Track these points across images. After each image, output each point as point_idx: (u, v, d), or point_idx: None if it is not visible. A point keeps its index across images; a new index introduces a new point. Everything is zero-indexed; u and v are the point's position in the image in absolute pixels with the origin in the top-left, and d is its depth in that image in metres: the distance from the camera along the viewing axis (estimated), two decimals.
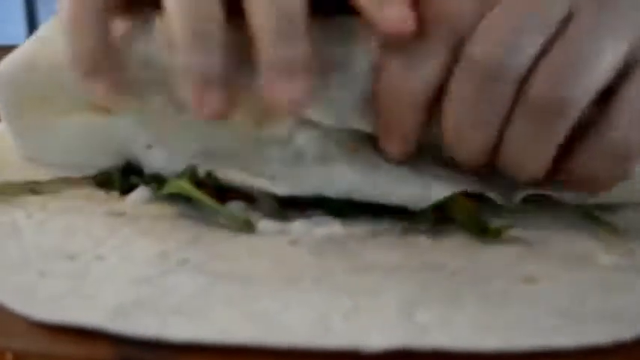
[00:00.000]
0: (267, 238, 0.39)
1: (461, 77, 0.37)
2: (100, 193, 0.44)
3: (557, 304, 0.33)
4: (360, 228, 0.40)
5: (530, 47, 0.36)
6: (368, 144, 0.41)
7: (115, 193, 0.44)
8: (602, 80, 0.36)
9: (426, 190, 0.40)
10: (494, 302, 0.33)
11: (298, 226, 0.40)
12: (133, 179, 0.44)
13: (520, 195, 0.40)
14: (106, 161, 0.45)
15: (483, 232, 0.39)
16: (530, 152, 0.38)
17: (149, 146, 0.43)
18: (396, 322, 0.32)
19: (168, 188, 0.41)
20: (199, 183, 0.41)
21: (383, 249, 0.38)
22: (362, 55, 0.40)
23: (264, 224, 0.40)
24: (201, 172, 0.41)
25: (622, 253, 0.38)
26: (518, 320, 0.32)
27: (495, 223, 0.39)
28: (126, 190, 0.44)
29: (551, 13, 0.37)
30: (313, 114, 0.40)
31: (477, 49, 0.37)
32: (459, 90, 0.37)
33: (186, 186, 0.40)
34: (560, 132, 0.37)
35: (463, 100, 0.37)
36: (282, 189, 0.41)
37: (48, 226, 0.40)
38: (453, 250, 0.38)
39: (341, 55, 0.40)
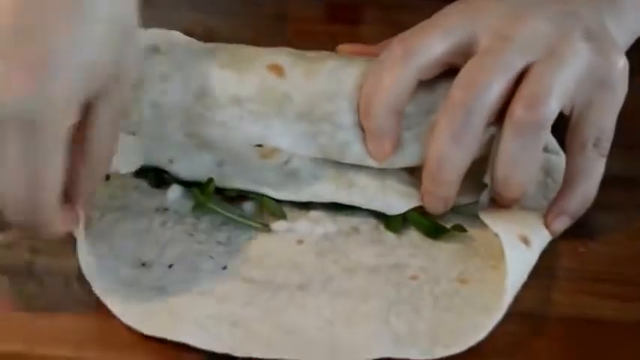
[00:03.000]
0: (279, 238, 0.55)
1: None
2: (144, 185, 0.58)
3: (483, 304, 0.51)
4: (345, 224, 0.56)
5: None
6: (348, 166, 0.56)
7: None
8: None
9: (390, 205, 0.56)
10: (442, 306, 0.51)
11: (302, 226, 0.56)
12: (165, 176, 0.58)
13: (465, 200, 0.56)
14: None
15: (436, 234, 0.55)
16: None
17: (170, 160, 0.57)
18: (380, 330, 0.49)
19: (198, 207, 0.56)
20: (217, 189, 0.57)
21: (363, 246, 0.55)
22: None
23: (277, 225, 0.56)
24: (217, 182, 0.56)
25: None
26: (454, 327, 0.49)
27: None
28: (158, 184, 0.58)
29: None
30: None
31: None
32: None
33: (211, 205, 0.56)
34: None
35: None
36: (282, 195, 0.57)
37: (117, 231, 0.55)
38: (412, 248, 0.55)
39: None
